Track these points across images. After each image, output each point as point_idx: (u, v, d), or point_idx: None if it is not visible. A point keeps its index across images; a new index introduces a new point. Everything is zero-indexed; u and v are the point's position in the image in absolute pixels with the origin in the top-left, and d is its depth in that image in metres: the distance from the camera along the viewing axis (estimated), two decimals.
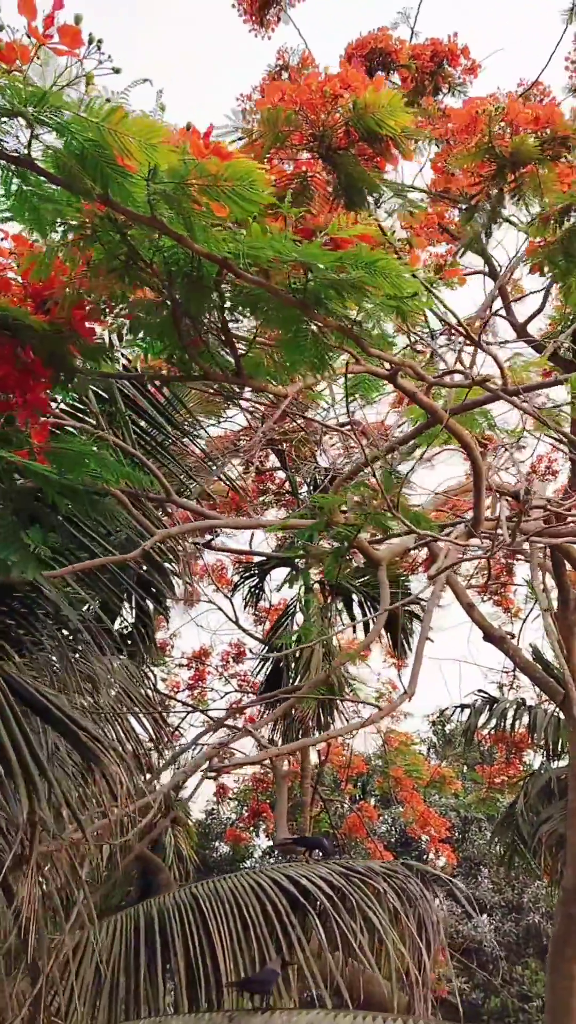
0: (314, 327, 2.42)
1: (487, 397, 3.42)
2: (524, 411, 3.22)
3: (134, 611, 6.11)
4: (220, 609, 12.11)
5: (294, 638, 9.09)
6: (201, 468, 7.46)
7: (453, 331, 3.62)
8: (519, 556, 11.50)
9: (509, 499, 4.79)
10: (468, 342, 3.16)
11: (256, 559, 10.22)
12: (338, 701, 9.07)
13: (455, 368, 3.51)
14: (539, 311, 7.74)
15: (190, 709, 12.25)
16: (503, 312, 7.51)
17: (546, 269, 3.00)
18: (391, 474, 3.78)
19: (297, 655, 8.85)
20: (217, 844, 17.15)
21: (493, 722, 10.29)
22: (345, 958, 5.77)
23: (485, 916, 14.71)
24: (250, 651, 12.90)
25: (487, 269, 7.65)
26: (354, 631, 11.36)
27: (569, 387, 3.27)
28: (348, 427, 4.56)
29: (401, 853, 17.94)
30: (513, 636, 9.85)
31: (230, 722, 9.17)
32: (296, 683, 8.82)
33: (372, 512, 3.69)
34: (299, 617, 9.87)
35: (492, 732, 11.28)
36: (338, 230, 2.22)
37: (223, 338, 2.60)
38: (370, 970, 5.81)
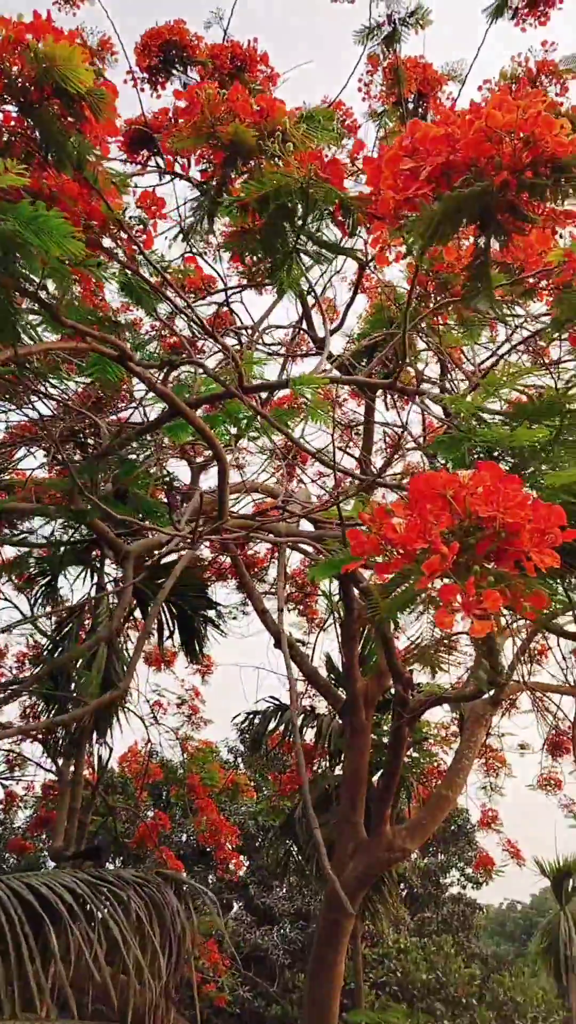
0: None
1: (223, 393, 3.35)
2: (251, 407, 3.17)
3: None
4: (15, 606, 11.56)
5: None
6: None
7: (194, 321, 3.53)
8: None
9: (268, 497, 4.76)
10: (206, 335, 3.06)
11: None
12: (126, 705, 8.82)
13: (187, 358, 3.41)
14: (339, 327, 7.88)
15: None
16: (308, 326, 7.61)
17: (246, 259, 2.97)
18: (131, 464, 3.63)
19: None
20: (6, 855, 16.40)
21: (281, 729, 10.34)
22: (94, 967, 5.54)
23: (270, 925, 14.80)
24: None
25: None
26: (151, 635, 11.12)
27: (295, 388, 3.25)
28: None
29: (196, 863, 17.81)
30: (304, 644, 10.00)
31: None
32: (80, 682, 8.50)
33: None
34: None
35: (288, 739, 11.38)
36: None
37: None
38: (126, 979, 5.62)
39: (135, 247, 2.89)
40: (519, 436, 2.22)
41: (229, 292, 7.87)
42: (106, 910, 5.46)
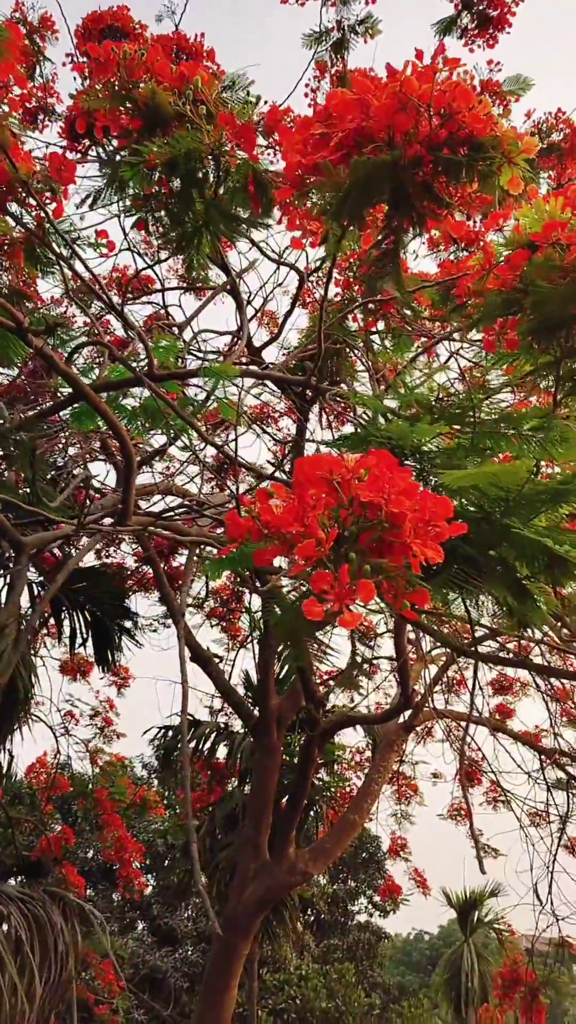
0: None
1: (131, 380, 3.19)
2: (157, 395, 3.01)
3: None
4: None
5: None
6: None
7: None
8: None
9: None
10: (109, 309, 2.90)
11: None
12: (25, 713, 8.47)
13: (93, 339, 3.24)
14: (275, 338, 7.79)
15: None
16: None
17: (151, 229, 2.83)
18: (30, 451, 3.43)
19: None
20: None
21: (192, 744, 10.08)
22: None
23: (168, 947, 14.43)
24: None
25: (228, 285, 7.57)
26: (60, 641, 10.78)
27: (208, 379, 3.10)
28: None
29: (101, 880, 17.30)
30: (220, 659, 9.80)
31: None
32: None
33: None
34: None
35: (199, 756, 11.13)
36: None
37: None
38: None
39: (41, 212, 2.73)
40: (419, 431, 2.11)
41: (164, 292, 7.70)
42: None
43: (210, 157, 2.45)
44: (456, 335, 4.09)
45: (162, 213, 2.69)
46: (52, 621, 9.54)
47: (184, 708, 3.40)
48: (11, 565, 4.33)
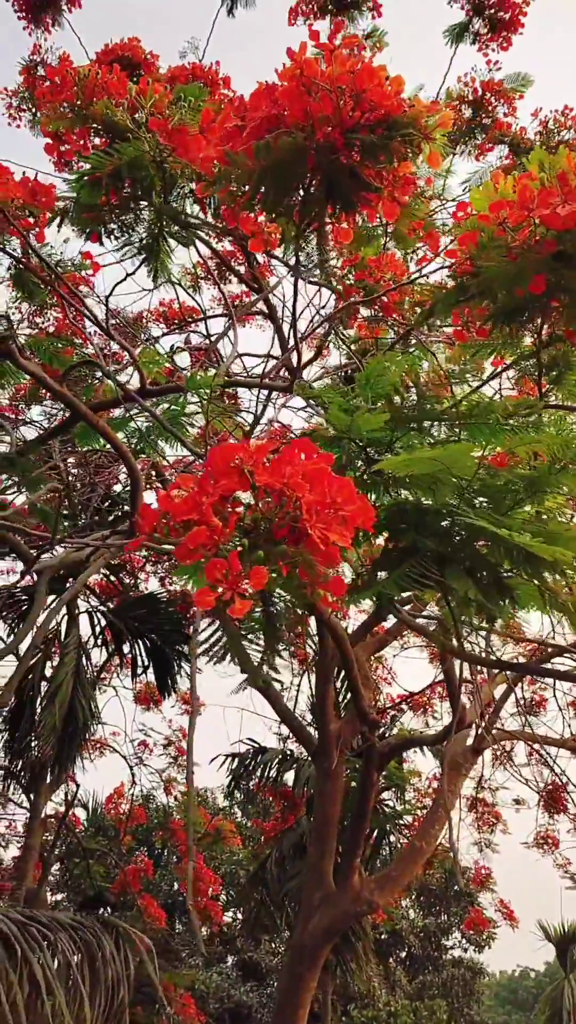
0: None
1: (123, 396, 3.21)
2: (149, 412, 3.02)
3: None
4: None
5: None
6: None
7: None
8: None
9: None
10: (103, 333, 2.94)
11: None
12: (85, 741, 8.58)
13: (84, 358, 3.28)
14: (314, 358, 7.80)
15: None
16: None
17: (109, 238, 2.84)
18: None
19: (44, 687, 8.34)
20: None
21: (259, 772, 10.00)
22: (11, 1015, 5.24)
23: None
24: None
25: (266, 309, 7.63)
26: (123, 669, 10.90)
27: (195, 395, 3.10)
28: None
29: (185, 912, 17.25)
30: (282, 684, 9.71)
31: None
32: (40, 716, 8.26)
33: None
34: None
35: (267, 784, 11.02)
36: None
37: None
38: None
39: (23, 237, 2.78)
40: (361, 421, 2.04)
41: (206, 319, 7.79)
42: (35, 954, 5.18)
43: (154, 164, 2.46)
44: (425, 327, 4.00)
45: (114, 226, 2.72)
46: (117, 649, 9.67)
47: (190, 746, 3.36)
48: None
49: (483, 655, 5.88)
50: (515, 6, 5.55)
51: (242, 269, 8.26)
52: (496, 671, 9.84)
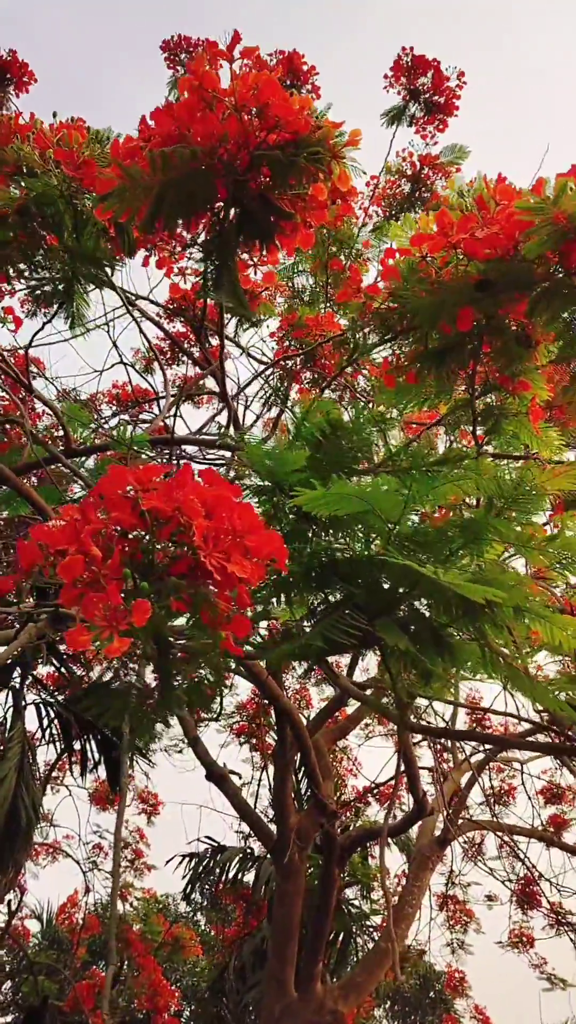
0: None
1: (47, 458, 3.06)
2: (72, 471, 2.86)
3: None
4: None
5: None
6: None
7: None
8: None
9: None
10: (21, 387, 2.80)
11: None
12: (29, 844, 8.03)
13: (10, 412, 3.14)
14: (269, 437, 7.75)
15: None
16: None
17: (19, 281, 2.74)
18: None
19: None
20: None
21: (218, 872, 9.46)
22: None
23: None
24: None
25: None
26: (71, 764, 10.37)
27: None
28: None
29: None
30: (239, 775, 9.28)
31: None
32: None
33: None
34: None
35: (227, 886, 10.41)
36: None
37: None
38: None
39: None
40: (289, 460, 1.90)
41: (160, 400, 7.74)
42: None
43: (63, 200, 2.37)
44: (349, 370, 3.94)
45: (23, 266, 2.62)
46: (67, 744, 9.20)
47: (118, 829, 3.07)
48: None
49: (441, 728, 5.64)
50: (449, 91, 5.77)
51: (196, 352, 8.29)
52: (462, 759, 9.52)
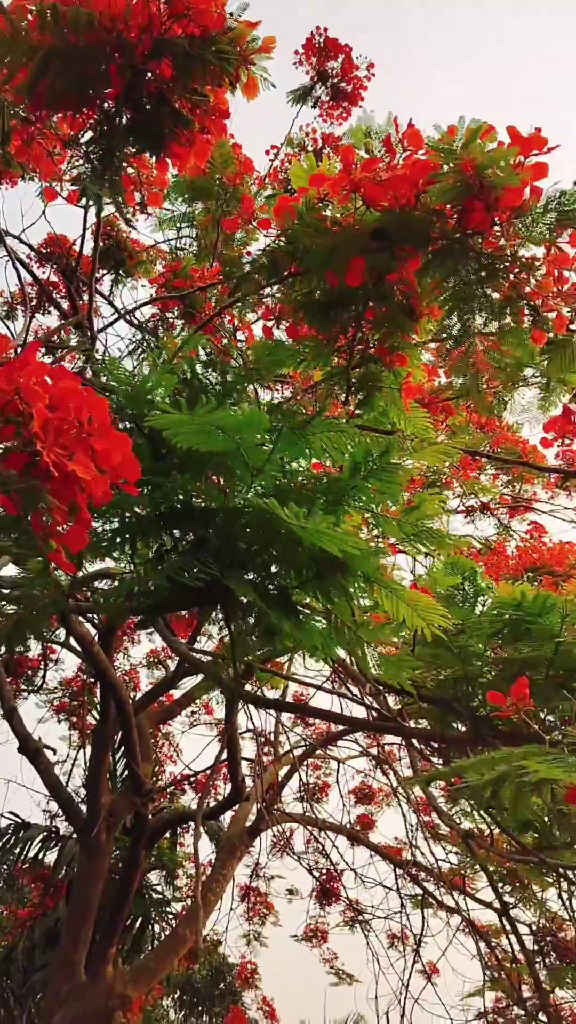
0: None
1: None
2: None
3: None
4: None
5: None
6: None
7: None
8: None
9: None
10: None
11: None
12: None
13: None
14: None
15: None
16: None
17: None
18: None
19: None
20: None
21: (18, 851, 9.04)
22: None
23: None
24: None
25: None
26: None
27: None
28: None
29: None
30: (54, 750, 8.92)
31: None
32: None
33: None
34: None
35: (27, 865, 9.97)
36: None
37: None
38: None
39: None
40: (152, 383, 1.75)
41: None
42: None
43: None
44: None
45: None
46: None
47: None
48: None
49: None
50: (357, 80, 5.76)
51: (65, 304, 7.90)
52: (283, 751, 9.55)
